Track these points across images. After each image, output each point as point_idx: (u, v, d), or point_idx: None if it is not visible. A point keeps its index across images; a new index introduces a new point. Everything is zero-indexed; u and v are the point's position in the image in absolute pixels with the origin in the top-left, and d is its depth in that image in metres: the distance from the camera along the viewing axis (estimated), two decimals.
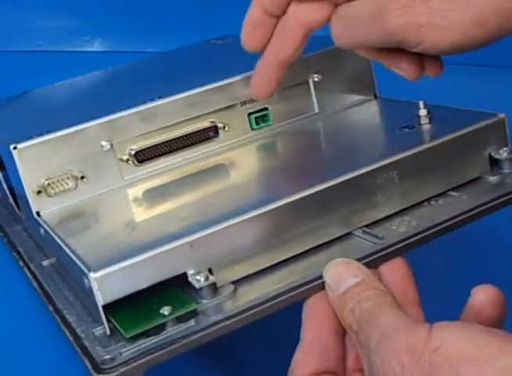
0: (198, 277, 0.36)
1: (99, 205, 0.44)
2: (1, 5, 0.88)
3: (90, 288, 0.35)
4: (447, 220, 0.39)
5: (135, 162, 0.46)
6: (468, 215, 0.40)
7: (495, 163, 0.44)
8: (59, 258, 0.42)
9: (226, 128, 0.48)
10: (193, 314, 0.35)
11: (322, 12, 0.41)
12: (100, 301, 0.35)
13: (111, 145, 0.45)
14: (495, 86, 0.78)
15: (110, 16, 0.90)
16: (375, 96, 0.53)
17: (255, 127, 0.49)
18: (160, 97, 0.46)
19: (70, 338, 0.36)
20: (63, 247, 0.38)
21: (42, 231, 0.43)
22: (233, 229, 0.37)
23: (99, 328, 0.36)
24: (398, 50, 0.39)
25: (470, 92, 0.75)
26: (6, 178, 0.50)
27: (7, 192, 0.51)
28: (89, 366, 0.33)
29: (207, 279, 0.36)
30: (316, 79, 0.50)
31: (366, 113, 0.51)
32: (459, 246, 0.52)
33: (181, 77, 0.53)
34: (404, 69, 0.41)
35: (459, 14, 0.36)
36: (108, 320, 0.35)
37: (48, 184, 0.43)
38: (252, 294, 0.36)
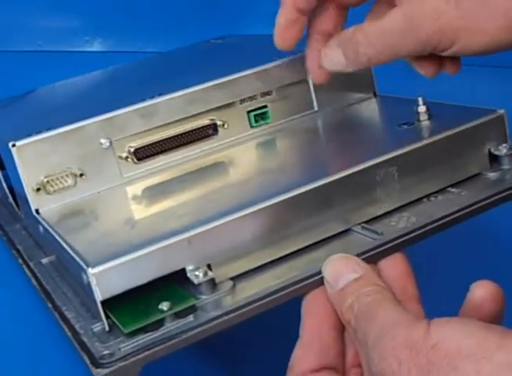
0: (197, 273, 0.36)
1: (98, 203, 0.44)
2: (1, 5, 0.88)
3: (88, 284, 0.35)
4: (446, 216, 0.39)
5: (135, 160, 0.46)
6: (467, 210, 0.40)
7: (494, 159, 0.44)
8: (58, 255, 0.42)
9: (225, 126, 0.48)
10: (192, 310, 0.35)
11: None
12: (99, 296, 0.35)
13: (110, 142, 0.45)
14: (495, 86, 0.78)
15: (110, 16, 0.90)
16: (374, 94, 0.53)
17: (254, 125, 0.49)
18: (160, 94, 0.46)
19: (69, 334, 0.36)
20: (62, 243, 0.38)
21: (41, 228, 0.43)
22: (232, 224, 0.37)
23: (98, 324, 0.36)
24: None
25: (469, 91, 0.74)
26: (6, 177, 0.50)
27: (6, 191, 0.51)
28: (88, 361, 0.33)
29: (205, 274, 0.36)
30: None
31: (365, 110, 0.51)
32: (458, 242, 0.52)
33: (180, 76, 0.53)
34: (425, 67, 0.42)
35: (491, 18, 0.37)
36: (107, 316, 0.35)
37: (48, 181, 0.43)
38: (251, 289, 0.36)
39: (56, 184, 0.44)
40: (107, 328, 0.35)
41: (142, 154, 0.46)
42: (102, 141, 0.45)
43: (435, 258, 0.53)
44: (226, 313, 0.34)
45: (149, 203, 0.44)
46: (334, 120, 0.50)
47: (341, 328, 0.36)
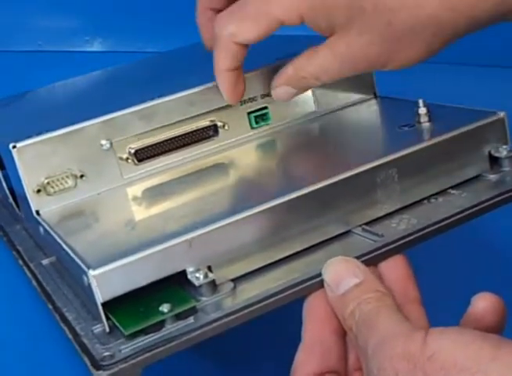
0: (197, 275, 0.36)
1: (99, 204, 0.44)
2: (1, 5, 0.88)
3: (89, 286, 0.35)
4: (447, 218, 0.39)
5: (135, 161, 0.46)
6: (468, 212, 0.40)
7: (495, 161, 0.44)
8: (59, 257, 0.42)
9: (226, 127, 0.48)
10: (192, 311, 0.35)
11: None
12: (99, 298, 0.35)
13: (111, 144, 0.45)
14: (495, 86, 0.78)
15: (110, 16, 0.90)
16: (375, 95, 0.53)
17: (255, 126, 0.49)
18: (160, 96, 0.46)
19: (70, 336, 0.36)
20: (63, 245, 0.38)
21: (42, 230, 0.43)
22: (232, 226, 0.37)
23: (99, 326, 0.36)
24: None
25: (469, 92, 0.74)
26: (6, 178, 0.50)
27: (7, 192, 0.51)
28: (88, 363, 0.33)
29: (206, 276, 0.36)
30: None
31: (366, 111, 0.51)
32: (459, 244, 0.52)
33: (180, 77, 0.53)
34: None
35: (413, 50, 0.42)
36: (107, 318, 0.35)
37: (48, 183, 0.43)
38: (251, 291, 0.36)
39: (57, 185, 0.44)
40: (108, 330, 0.35)
41: (143, 155, 0.46)
42: (103, 142, 0.45)
43: (436, 260, 0.53)
44: (227, 315, 0.34)
45: (150, 204, 0.43)
46: (334, 121, 0.50)
47: (343, 332, 0.36)
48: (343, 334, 0.36)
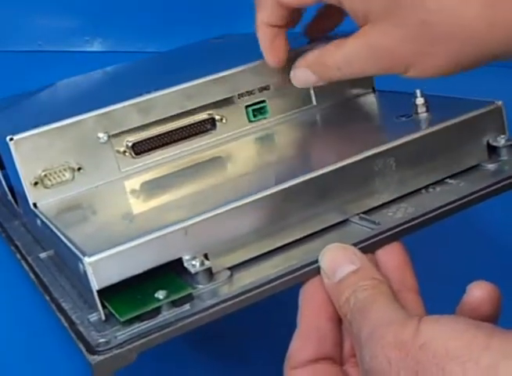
0: (194, 262, 0.36)
1: (96, 197, 0.44)
2: (1, 4, 0.89)
3: (85, 273, 0.35)
4: (444, 205, 0.39)
5: (132, 154, 0.46)
6: (465, 200, 0.40)
7: (493, 150, 0.44)
8: (56, 249, 0.42)
9: (224, 121, 0.48)
10: (189, 298, 0.35)
11: None
12: (95, 286, 0.35)
13: (108, 137, 0.45)
14: (495, 86, 0.78)
15: (110, 16, 0.90)
16: (373, 90, 0.53)
17: (253, 119, 0.49)
18: (158, 89, 0.46)
19: (66, 325, 0.36)
20: (59, 234, 0.38)
21: (39, 222, 0.43)
22: (229, 214, 0.37)
23: (95, 314, 0.36)
24: None
25: (467, 89, 0.74)
26: (5, 176, 0.50)
27: (6, 189, 0.51)
28: (83, 349, 0.33)
29: (202, 264, 0.36)
30: None
31: (364, 104, 0.51)
32: (456, 232, 0.52)
33: (178, 71, 0.53)
34: None
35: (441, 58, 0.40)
36: (103, 306, 0.35)
37: (45, 175, 0.43)
38: (248, 279, 0.36)
39: (54, 178, 0.44)
40: (103, 317, 0.35)
41: (140, 149, 0.46)
42: (100, 135, 0.44)
43: (433, 248, 0.52)
44: (222, 301, 0.34)
45: (147, 197, 0.43)
46: (333, 114, 0.50)
47: (338, 319, 0.36)
48: (338, 320, 0.36)
